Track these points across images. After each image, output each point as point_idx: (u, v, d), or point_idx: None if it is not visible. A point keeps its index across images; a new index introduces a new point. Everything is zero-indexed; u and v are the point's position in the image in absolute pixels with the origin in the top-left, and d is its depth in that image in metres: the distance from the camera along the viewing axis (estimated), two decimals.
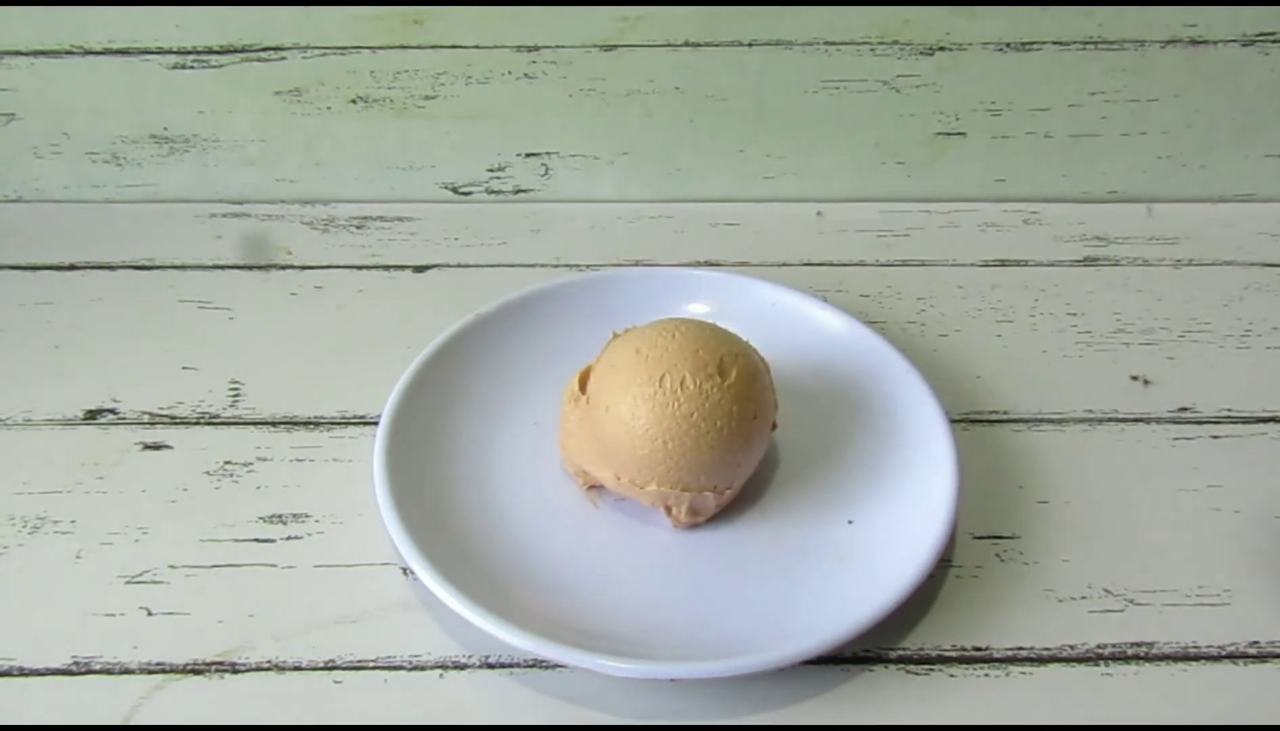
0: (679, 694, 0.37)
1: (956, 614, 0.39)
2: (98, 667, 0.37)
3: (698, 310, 0.48)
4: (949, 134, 0.58)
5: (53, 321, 0.51)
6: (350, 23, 0.54)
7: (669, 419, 0.38)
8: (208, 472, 0.44)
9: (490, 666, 0.37)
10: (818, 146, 0.58)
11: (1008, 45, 0.55)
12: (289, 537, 0.41)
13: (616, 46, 0.55)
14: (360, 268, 0.55)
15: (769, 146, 0.58)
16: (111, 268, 0.54)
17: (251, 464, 0.44)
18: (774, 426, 0.41)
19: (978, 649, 0.38)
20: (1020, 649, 0.38)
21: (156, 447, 0.45)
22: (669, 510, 0.40)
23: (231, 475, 0.44)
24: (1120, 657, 0.38)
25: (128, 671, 0.37)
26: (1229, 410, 0.47)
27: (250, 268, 0.55)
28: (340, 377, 0.48)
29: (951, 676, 0.37)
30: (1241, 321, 0.52)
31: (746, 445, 0.40)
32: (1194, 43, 0.55)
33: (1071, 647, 0.38)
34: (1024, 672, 0.37)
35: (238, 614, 0.39)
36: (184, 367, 0.49)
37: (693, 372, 0.39)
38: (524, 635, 0.35)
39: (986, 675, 0.37)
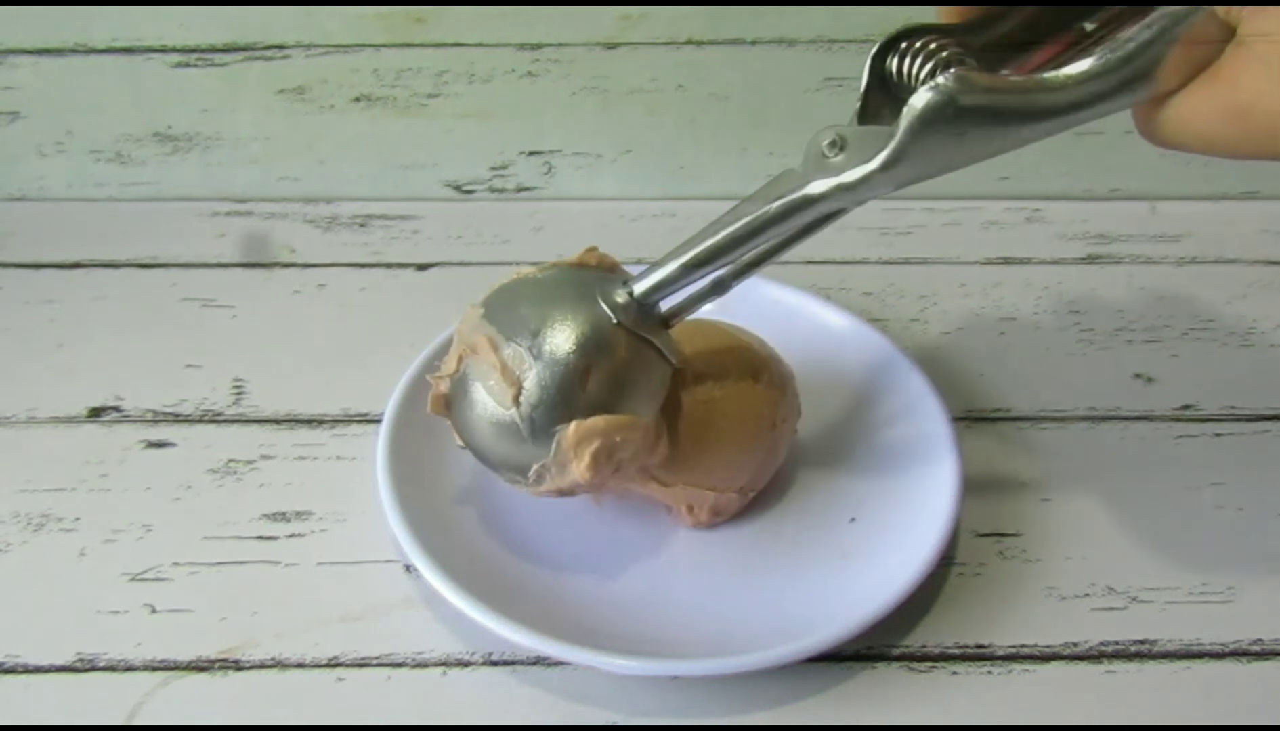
0: (681, 691, 0.37)
1: (959, 611, 0.39)
2: (102, 665, 0.37)
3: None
4: None
5: (56, 320, 0.51)
6: (353, 21, 0.54)
7: (704, 419, 0.38)
8: (211, 470, 0.44)
9: (493, 664, 0.37)
10: None
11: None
12: (292, 535, 0.41)
13: (619, 45, 0.55)
14: (363, 266, 0.55)
15: (771, 145, 0.58)
16: (115, 266, 0.55)
17: (254, 461, 0.44)
18: (795, 432, 0.41)
19: (980, 646, 0.38)
20: (1022, 646, 0.38)
21: (160, 445, 0.45)
22: (690, 508, 0.40)
23: (234, 473, 0.44)
24: (1123, 655, 0.38)
25: (131, 669, 0.37)
26: (1232, 408, 0.47)
27: (253, 266, 0.55)
28: (343, 375, 0.48)
29: (954, 674, 0.37)
30: (1244, 319, 0.52)
31: (774, 449, 0.40)
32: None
33: (1074, 645, 0.38)
34: (1026, 670, 0.37)
35: (241, 611, 0.39)
36: (187, 366, 0.49)
37: (729, 375, 0.39)
38: (526, 632, 0.35)
39: (989, 673, 0.37)
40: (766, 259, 0.36)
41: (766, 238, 0.33)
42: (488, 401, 0.35)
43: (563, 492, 0.35)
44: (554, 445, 0.34)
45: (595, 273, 0.36)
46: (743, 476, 0.39)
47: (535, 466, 0.34)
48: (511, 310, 0.35)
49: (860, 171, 0.31)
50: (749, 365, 0.39)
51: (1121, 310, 0.52)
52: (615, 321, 0.35)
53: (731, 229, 0.33)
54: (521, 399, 0.34)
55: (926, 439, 0.42)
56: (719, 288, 0.37)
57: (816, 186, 0.32)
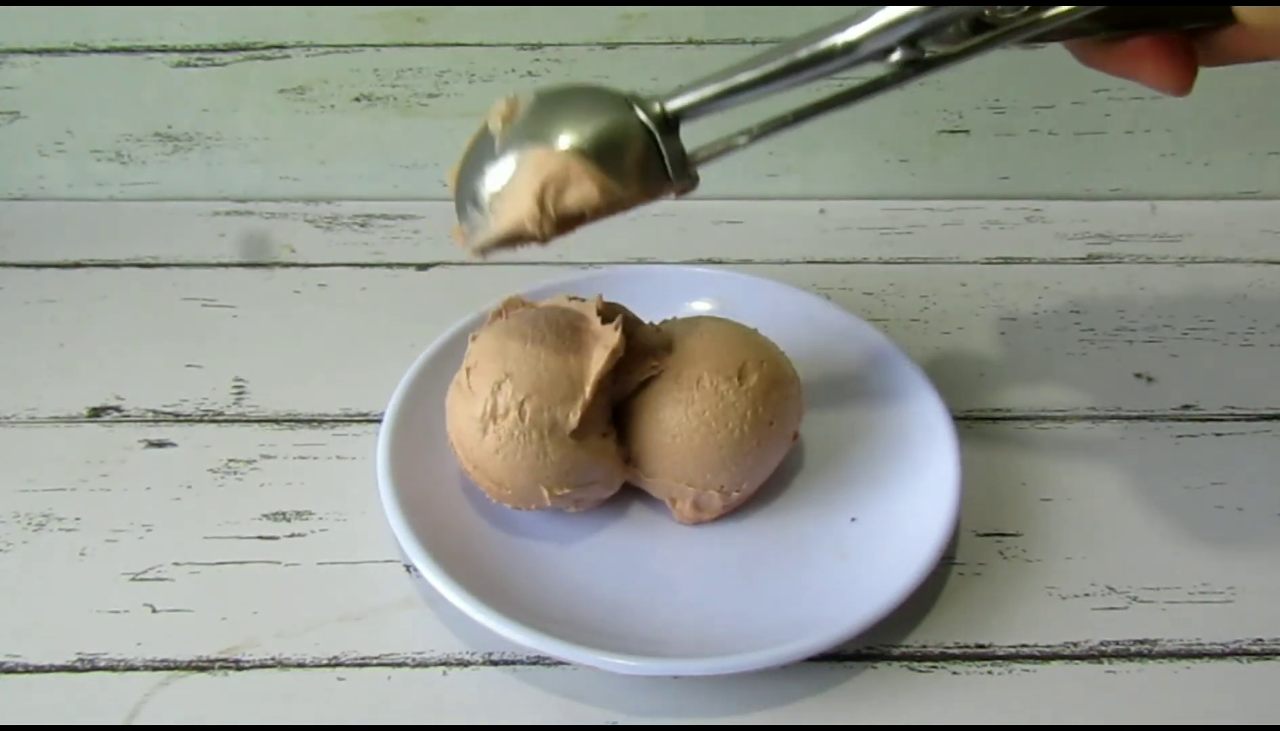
0: (681, 691, 0.37)
1: (959, 611, 0.39)
2: (102, 664, 0.37)
3: (701, 308, 0.48)
4: (952, 131, 0.58)
5: (57, 319, 0.51)
6: (354, 21, 0.54)
7: (681, 414, 0.38)
8: (211, 470, 0.44)
9: (493, 663, 0.37)
10: (821, 144, 0.58)
11: None
12: (292, 535, 0.41)
13: (620, 44, 0.55)
14: (363, 265, 0.55)
15: (772, 144, 0.57)
16: (116, 266, 0.55)
17: (255, 461, 0.44)
18: (796, 437, 0.41)
19: (980, 646, 0.38)
20: (1023, 646, 0.38)
21: (160, 445, 0.45)
22: (673, 502, 0.40)
23: (235, 472, 0.44)
24: (1123, 655, 0.38)
25: (132, 668, 0.37)
26: (1232, 407, 0.47)
27: (254, 265, 0.55)
28: (343, 375, 0.48)
29: (954, 674, 0.37)
30: (1245, 319, 0.52)
31: (759, 450, 0.40)
32: None
33: (1074, 645, 0.38)
34: (1026, 670, 0.37)
35: (241, 611, 0.39)
36: (188, 365, 0.49)
37: (711, 372, 0.39)
38: (527, 632, 0.35)
39: (989, 672, 0.37)
40: (805, 117, 0.34)
41: (801, 80, 0.32)
42: (485, 133, 0.34)
43: (505, 244, 0.33)
44: (516, 165, 0.33)
45: None
46: (722, 476, 0.39)
47: (490, 193, 0.33)
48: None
49: (891, 10, 0.30)
50: (735, 366, 0.39)
51: (1122, 310, 0.52)
52: (630, 104, 0.33)
53: (769, 65, 0.32)
54: (512, 120, 0.33)
55: (926, 439, 0.42)
56: (749, 138, 0.35)
57: (854, 31, 0.31)
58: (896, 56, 0.31)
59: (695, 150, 0.35)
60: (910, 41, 0.31)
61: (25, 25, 0.54)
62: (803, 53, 0.32)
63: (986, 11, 0.32)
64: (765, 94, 0.33)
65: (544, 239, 0.33)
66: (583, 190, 0.33)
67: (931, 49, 0.31)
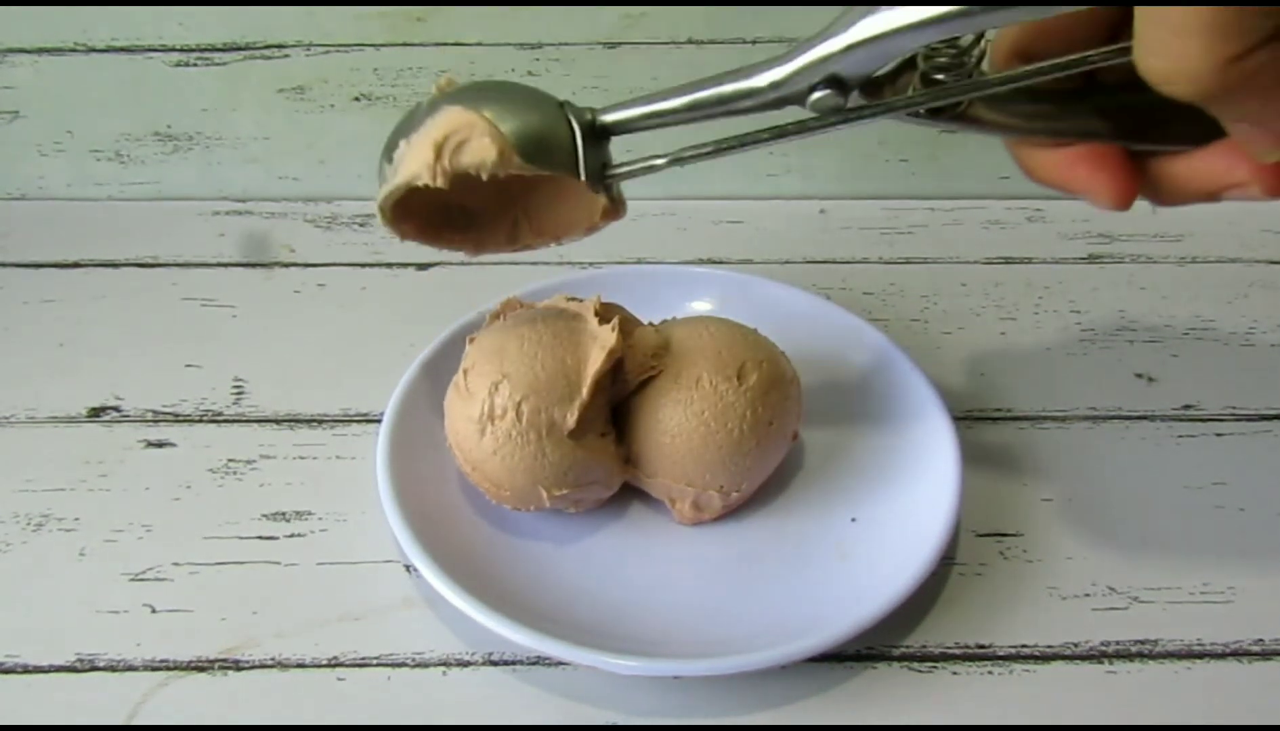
0: (682, 691, 0.37)
1: (960, 611, 0.39)
2: (102, 664, 0.37)
3: (701, 308, 0.48)
4: (953, 131, 0.58)
5: (56, 319, 0.51)
6: (353, 20, 0.54)
7: (680, 414, 0.38)
8: (211, 470, 0.44)
9: (493, 663, 0.37)
10: (821, 144, 0.58)
11: None
12: (292, 535, 0.41)
13: (620, 44, 0.55)
14: (363, 265, 0.55)
15: (771, 144, 0.58)
16: (115, 265, 0.55)
17: (254, 461, 0.44)
18: (795, 436, 0.41)
19: (981, 646, 0.38)
20: (1024, 646, 0.38)
21: (160, 445, 0.45)
22: (673, 502, 0.40)
23: (234, 472, 0.44)
24: (1124, 655, 0.38)
25: (131, 668, 0.37)
26: (1233, 407, 0.47)
27: (253, 266, 0.55)
28: (343, 375, 0.48)
29: (955, 674, 0.37)
30: (1246, 319, 0.52)
31: (758, 450, 0.40)
32: None
33: (1075, 645, 0.38)
34: (1027, 670, 0.37)
35: (241, 611, 0.39)
36: (187, 365, 0.49)
37: (711, 372, 0.39)
38: (527, 632, 0.35)
39: (990, 673, 0.37)
40: (724, 150, 0.35)
41: (726, 112, 0.33)
42: (418, 106, 0.35)
43: (403, 195, 0.34)
44: (430, 121, 0.34)
45: None
46: (721, 476, 0.39)
47: (403, 142, 0.34)
48: None
49: (799, 57, 0.31)
50: (734, 366, 0.39)
51: (1122, 310, 0.52)
52: (560, 102, 0.34)
53: (698, 94, 0.33)
54: (444, 92, 0.34)
55: (926, 439, 0.42)
56: (667, 161, 0.35)
57: (763, 77, 0.32)
58: (819, 99, 0.32)
59: (616, 164, 0.36)
60: (838, 89, 0.32)
61: (25, 25, 0.54)
62: (728, 87, 0.33)
63: (921, 64, 0.33)
64: (692, 121, 0.34)
65: (436, 187, 0.33)
66: (481, 147, 0.33)
67: (858, 102, 0.33)
